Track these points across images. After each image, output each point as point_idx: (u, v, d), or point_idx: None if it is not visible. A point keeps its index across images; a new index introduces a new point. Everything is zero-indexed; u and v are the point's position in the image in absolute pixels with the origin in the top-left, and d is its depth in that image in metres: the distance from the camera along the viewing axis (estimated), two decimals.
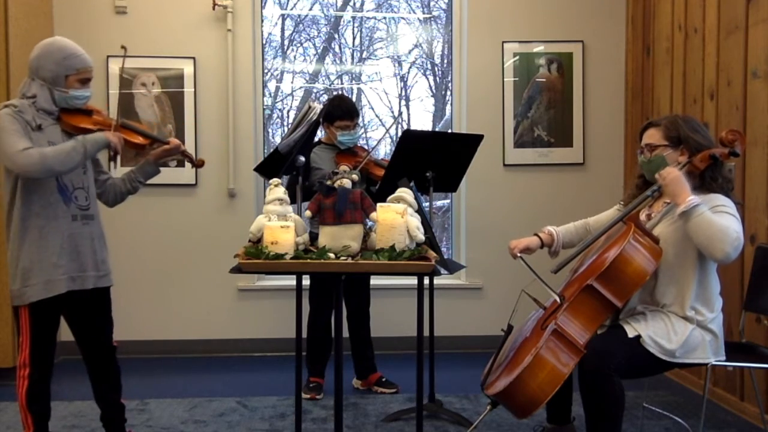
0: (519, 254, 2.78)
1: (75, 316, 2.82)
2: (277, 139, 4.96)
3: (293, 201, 2.81)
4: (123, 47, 3.00)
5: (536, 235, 2.89)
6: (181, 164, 4.50)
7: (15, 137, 2.53)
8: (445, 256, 3.06)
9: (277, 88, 5.36)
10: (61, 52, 2.67)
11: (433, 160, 3.41)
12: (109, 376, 2.91)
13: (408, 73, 5.51)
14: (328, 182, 2.43)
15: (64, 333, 2.91)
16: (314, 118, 3.02)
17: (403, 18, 5.40)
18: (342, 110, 3.75)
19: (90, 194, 2.77)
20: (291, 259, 2.27)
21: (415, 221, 2.35)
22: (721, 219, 2.43)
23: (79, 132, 2.72)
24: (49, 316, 2.69)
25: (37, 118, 2.62)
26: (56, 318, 2.74)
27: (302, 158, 3.06)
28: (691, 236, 2.44)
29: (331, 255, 2.30)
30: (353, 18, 5.43)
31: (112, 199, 2.94)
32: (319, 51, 5.47)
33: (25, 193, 2.62)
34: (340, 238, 2.35)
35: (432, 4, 5.37)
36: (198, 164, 3.08)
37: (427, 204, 3.49)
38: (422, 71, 5.52)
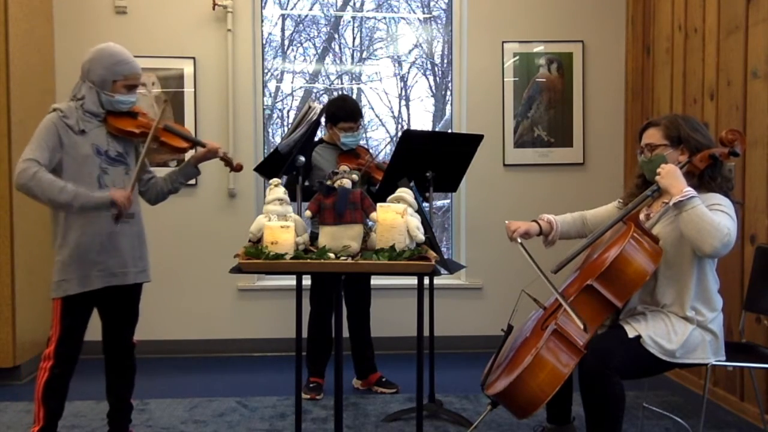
0: (519, 240, 2.72)
1: (109, 310, 2.91)
2: (277, 139, 4.96)
3: (293, 200, 2.81)
4: (165, 101, 3.25)
5: (536, 221, 2.86)
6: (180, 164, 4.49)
7: (37, 146, 2.64)
8: (445, 256, 3.06)
9: (277, 88, 5.36)
10: (112, 57, 2.77)
11: (433, 160, 3.41)
12: (125, 373, 2.98)
13: (408, 73, 5.51)
14: (328, 182, 2.43)
15: None
16: (314, 118, 3.02)
17: (403, 18, 5.40)
18: (346, 112, 3.75)
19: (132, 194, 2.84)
20: (291, 259, 2.27)
21: (415, 221, 2.35)
22: (715, 215, 2.43)
23: (123, 134, 2.82)
24: (81, 311, 2.78)
25: (81, 122, 2.73)
26: (87, 315, 2.82)
27: (302, 158, 3.06)
28: (682, 228, 2.44)
29: (331, 255, 2.30)
30: (353, 18, 5.43)
31: (154, 197, 3.03)
32: (319, 51, 5.47)
33: None
34: (340, 238, 2.35)
35: (432, 4, 5.37)
36: (236, 168, 3.08)
37: (427, 204, 3.49)
38: (422, 71, 5.52)
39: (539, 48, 4.83)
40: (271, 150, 3.25)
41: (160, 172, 3.12)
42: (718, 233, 2.37)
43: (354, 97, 5.28)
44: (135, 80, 2.83)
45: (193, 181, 4.66)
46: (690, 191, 2.43)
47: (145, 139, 2.83)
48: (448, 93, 5.13)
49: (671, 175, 2.48)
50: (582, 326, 2.45)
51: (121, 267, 2.81)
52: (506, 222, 2.82)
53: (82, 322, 2.80)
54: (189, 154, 3.18)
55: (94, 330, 2.92)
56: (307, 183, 3.55)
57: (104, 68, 2.75)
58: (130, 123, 2.83)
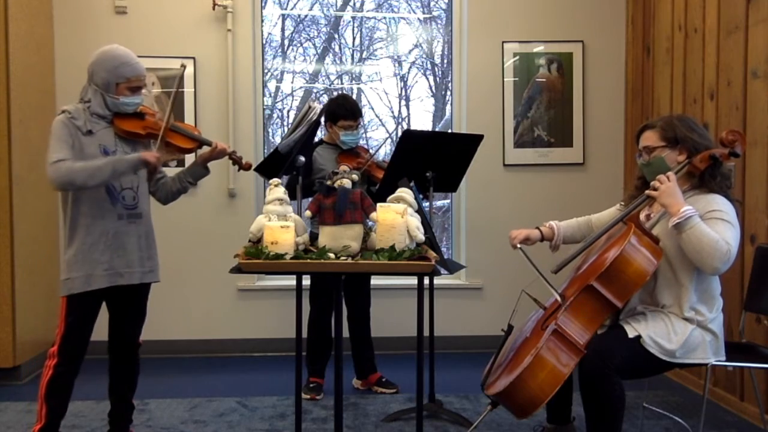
0: (519, 245, 2.80)
1: (116, 308, 2.93)
2: (277, 139, 4.96)
3: (293, 199, 2.81)
4: (183, 65, 3.20)
5: (538, 228, 2.91)
6: (180, 164, 4.49)
7: (57, 147, 2.68)
8: (445, 256, 3.06)
9: (277, 88, 5.36)
10: (114, 60, 2.78)
11: (433, 160, 3.41)
12: (128, 372, 2.99)
13: (408, 73, 5.51)
14: (328, 182, 2.43)
15: None
16: (314, 118, 3.02)
17: (403, 18, 5.40)
18: (346, 110, 3.75)
19: (139, 194, 2.87)
20: (291, 259, 2.27)
21: (415, 221, 2.35)
22: (714, 230, 2.43)
23: (130, 136, 2.84)
24: (85, 310, 2.78)
25: (89, 123, 2.76)
26: (92, 314, 2.82)
27: (302, 158, 3.06)
28: (682, 248, 2.47)
29: (331, 255, 2.30)
30: (353, 18, 5.43)
31: (164, 197, 3.04)
32: (319, 51, 5.47)
33: (75, 194, 2.76)
34: (340, 238, 2.35)
35: (432, 4, 5.37)
36: (245, 167, 3.08)
37: (427, 204, 3.49)
38: (422, 71, 5.52)
39: (539, 48, 4.83)
40: (271, 150, 3.25)
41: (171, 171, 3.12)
42: (717, 253, 2.39)
43: (354, 97, 5.29)
44: (139, 82, 2.83)
45: None
46: (687, 211, 2.43)
47: (153, 140, 2.86)
48: (448, 93, 5.13)
49: (669, 194, 2.49)
50: (559, 297, 2.51)
51: (127, 267, 2.82)
52: (510, 233, 2.87)
53: (86, 320, 2.80)
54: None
55: (97, 330, 2.91)
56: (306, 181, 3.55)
57: (107, 71, 2.76)
58: (137, 124, 2.84)
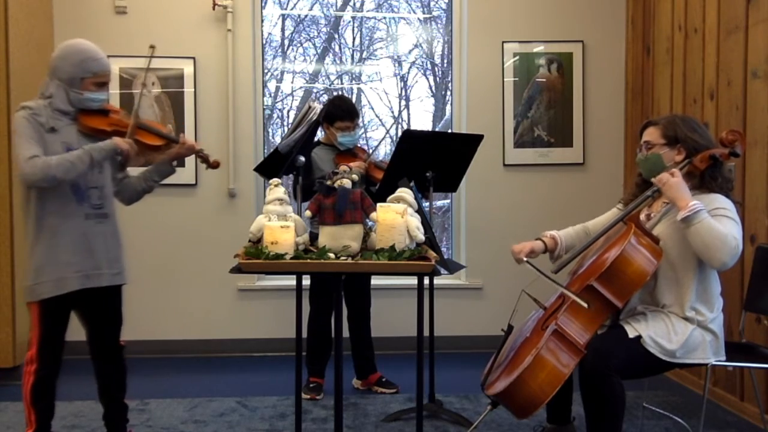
0: (525, 258, 2.72)
1: (88, 313, 2.86)
2: (277, 139, 4.96)
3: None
4: (152, 47, 2.95)
5: (539, 239, 2.85)
6: (180, 164, 4.49)
7: (27, 143, 2.58)
8: (445, 256, 3.06)
9: (277, 88, 5.36)
10: (80, 54, 2.70)
11: (433, 160, 3.41)
12: (115, 375, 2.94)
13: (408, 73, 5.51)
14: (328, 182, 2.43)
15: (68, 332, 2.91)
16: (314, 118, 3.02)
17: (403, 18, 5.40)
18: (342, 111, 3.75)
19: (104, 193, 2.79)
20: (291, 259, 2.27)
21: (415, 221, 2.35)
22: (721, 225, 2.43)
23: (95, 133, 2.75)
24: (59, 313, 2.73)
25: (51, 120, 2.66)
26: (66, 316, 2.77)
27: (302, 158, 3.06)
28: (689, 242, 2.46)
29: (331, 255, 2.30)
30: (353, 18, 5.43)
31: (128, 197, 2.96)
32: (319, 51, 5.47)
33: (40, 193, 2.65)
34: (340, 238, 2.34)
35: (432, 4, 5.37)
36: (213, 165, 3.03)
37: (427, 204, 3.49)
38: (422, 71, 5.52)
39: (539, 48, 4.83)
40: (271, 150, 3.25)
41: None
42: (725, 247, 2.38)
43: (354, 97, 5.29)
44: (105, 77, 2.75)
45: (193, 181, 4.68)
46: (696, 205, 2.43)
47: (119, 137, 2.75)
48: (448, 93, 5.13)
49: (677, 188, 2.48)
50: (586, 305, 2.44)
51: (96, 268, 2.74)
52: (511, 247, 2.79)
53: (61, 323, 2.74)
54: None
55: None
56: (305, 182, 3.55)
57: (72, 65, 2.67)
58: (102, 121, 2.75)
